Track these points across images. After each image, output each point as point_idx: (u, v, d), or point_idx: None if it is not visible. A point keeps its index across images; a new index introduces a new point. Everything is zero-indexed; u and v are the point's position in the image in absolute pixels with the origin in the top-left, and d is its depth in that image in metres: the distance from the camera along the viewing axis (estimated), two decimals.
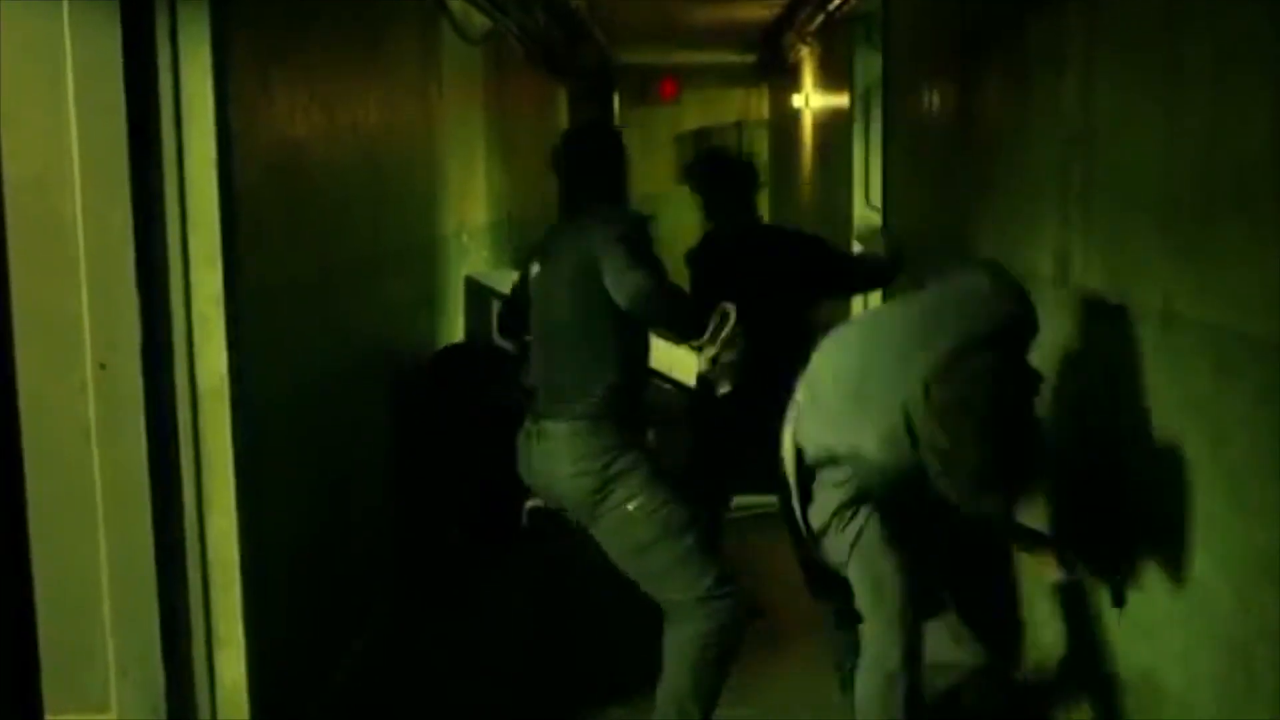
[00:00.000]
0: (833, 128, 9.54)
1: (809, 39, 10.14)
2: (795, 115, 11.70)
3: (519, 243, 9.48)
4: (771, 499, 3.93)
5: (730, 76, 15.96)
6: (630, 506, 3.54)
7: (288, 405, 3.73)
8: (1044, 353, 3.85)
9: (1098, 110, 3.52)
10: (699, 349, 3.69)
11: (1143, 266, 3.23)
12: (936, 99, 5.51)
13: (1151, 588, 3.20)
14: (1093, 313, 3.58)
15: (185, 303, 3.25)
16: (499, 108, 8.34)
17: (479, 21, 7.49)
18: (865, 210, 8.21)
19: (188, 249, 3.24)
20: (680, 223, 16.45)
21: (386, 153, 4.99)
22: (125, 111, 3.10)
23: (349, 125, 4.44)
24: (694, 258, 5.00)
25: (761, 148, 15.67)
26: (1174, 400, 3.06)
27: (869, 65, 8.05)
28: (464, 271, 6.91)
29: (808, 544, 3.61)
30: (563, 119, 14.21)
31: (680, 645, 3.59)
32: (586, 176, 3.80)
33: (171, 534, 3.28)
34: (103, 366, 3.17)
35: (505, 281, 7.47)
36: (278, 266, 3.66)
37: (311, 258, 3.99)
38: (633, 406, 3.67)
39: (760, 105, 16.19)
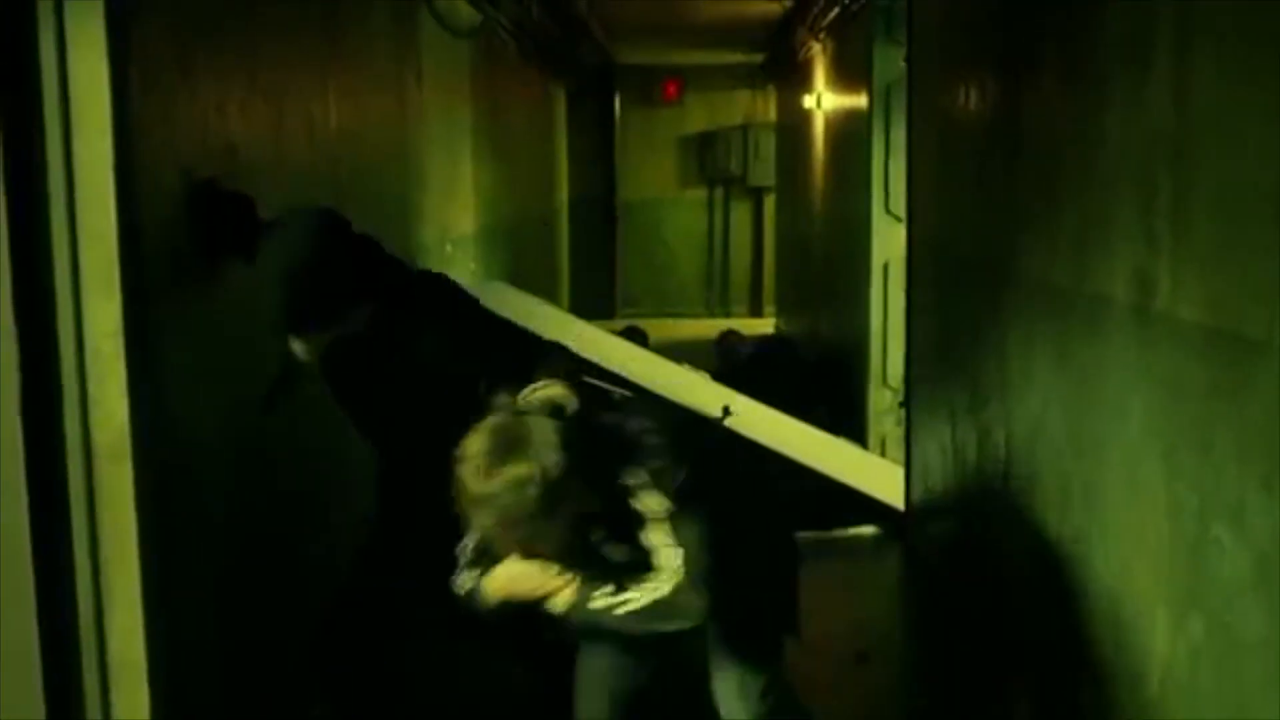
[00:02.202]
0: (848, 130, 8.95)
1: (821, 35, 9.57)
2: (806, 117, 11.13)
3: (514, 250, 8.87)
4: None
5: (735, 77, 15.46)
6: None
7: (215, 462, 3.11)
8: (1115, 399, 3.25)
9: (1195, 107, 2.89)
10: None
11: (1259, 294, 2.61)
12: (975, 97, 4.89)
13: None
14: (1187, 349, 2.95)
15: (76, 338, 2.62)
16: (489, 106, 7.73)
17: (467, 13, 6.89)
18: (884, 218, 7.62)
19: (79, 272, 2.61)
20: (682, 228, 16.04)
21: (351, 153, 4.37)
22: None
23: (302, 122, 3.82)
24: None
25: (768, 152, 15.14)
26: None
27: (889, 61, 7.48)
28: None
29: None
30: (561, 120, 13.63)
31: None
32: None
33: (61, 629, 2.65)
34: None
35: (495, 296, 6.89)
36: (199, 290, 3.04)
37: (247, 278, 3.36)
38: None
39: (767, 107, 15.65)
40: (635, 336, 9.03)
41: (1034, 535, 4.01)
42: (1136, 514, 3.16)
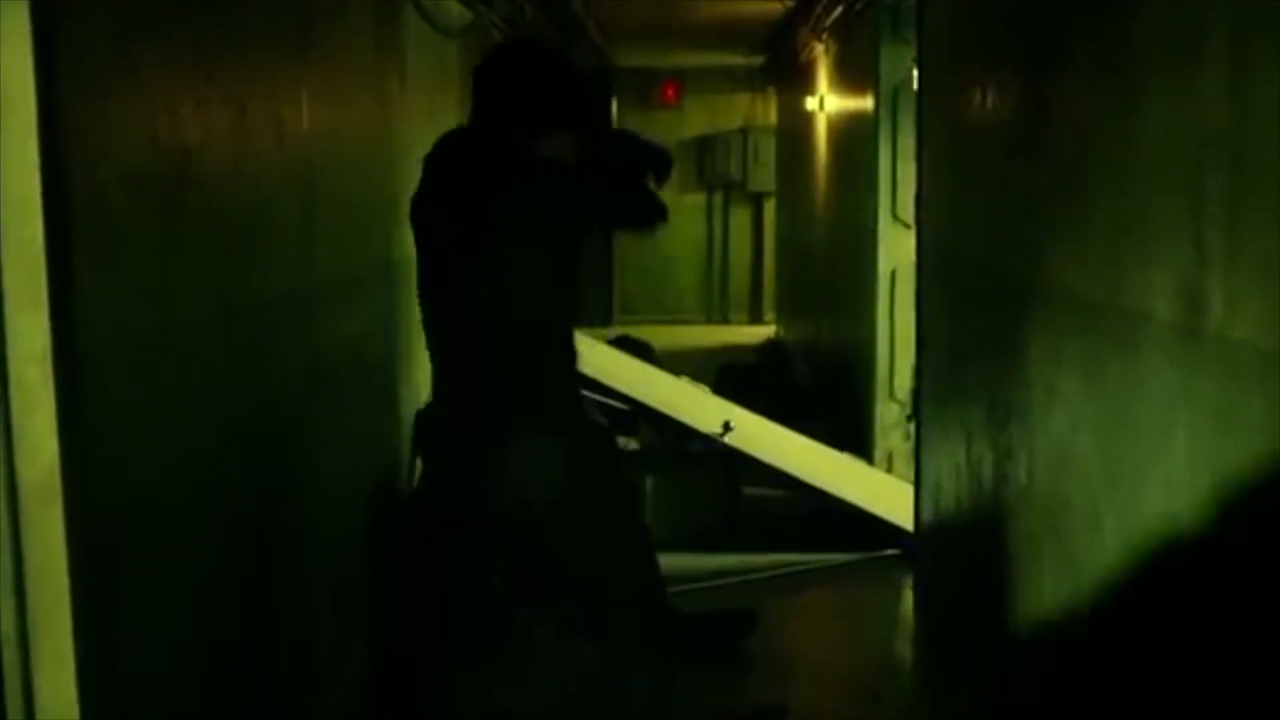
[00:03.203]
0: (853, 132, 8.67)
1: (824, 35, 9.30)
2: (808, 120, 10.85)
3: None
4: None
5: (735, 79, 15.29)
6: None
7: (163, 501, 2.80)
8: (1155, 427, 2.95)
9: (1255, 104, 2.60)
10: None
11: None
12: (992, 96, 4.60)
13: None
14: (1243, 376, 2.65)
15: None
16: None
17: (457, 12, 6.59)
18: (891, 224, 7.34)
19: (1, 288, 2.32)
20: (680, 234, 15.76)
21: (326, 158, 4.08)
22: None
23: (270, 124, 3.52)
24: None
25: (768, 156, 14.87)
26: None
27: (896, 61, 7.22)
28: None
29: None
30: None
31: None
32: None
33: None
34: None
35: None
36: (150, 307, 2.74)
37: (207, 294, 3.07)
38: None
39: (767, 110, 15.41)
40: (635, 349, 8.70)
41: (1061, 568, 3.71)
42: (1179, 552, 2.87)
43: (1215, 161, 2.73)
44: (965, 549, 5.07)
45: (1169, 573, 2.91)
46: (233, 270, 3.25)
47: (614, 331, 14.92)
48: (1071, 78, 3.71)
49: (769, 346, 12.55)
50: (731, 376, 9.15)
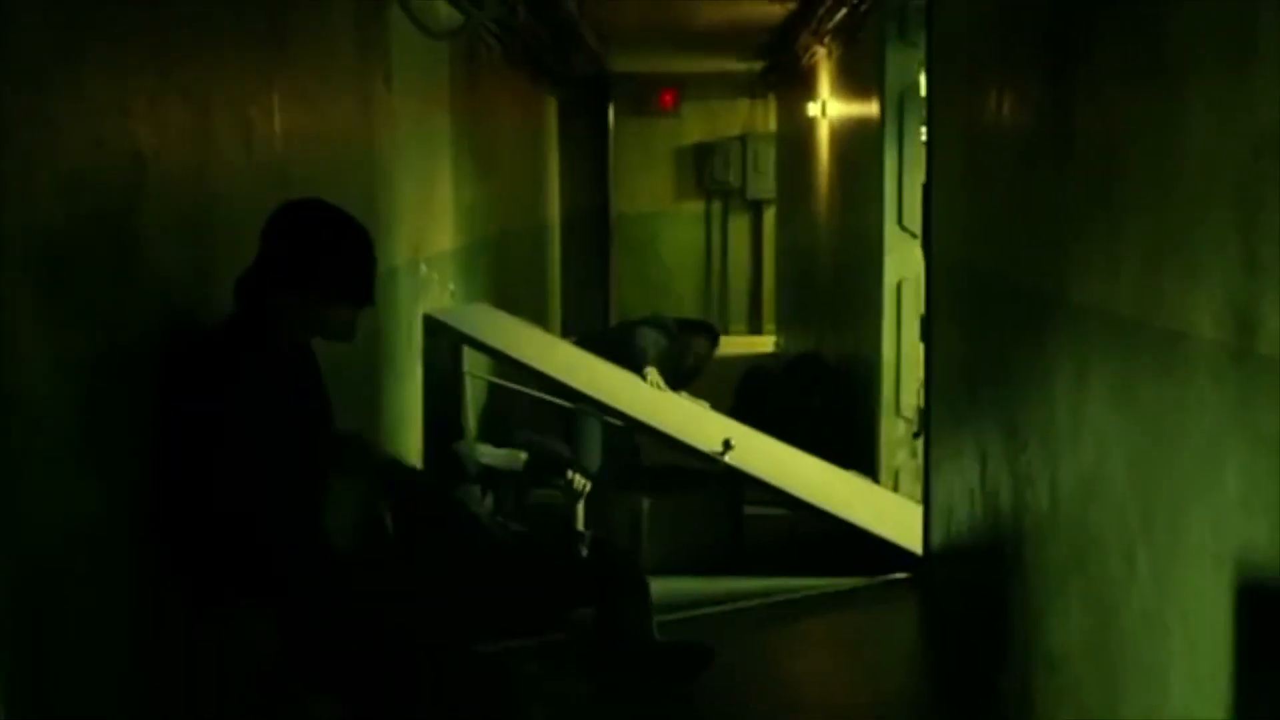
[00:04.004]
0: (857, 139, 8.42)
1: (827, 39, 9.05)
2: (809, 126, 10.61)
3: (500, 268, 8.34)
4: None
5: (734, 85, 15.01)
6: None
7: (98, 560, 2.51)
8: (1200, 458, 2.70)
9: None
10: None
11: None
12: (1011, 100, 4.35)
13: None
14: None
15: None
16: (472, 114, 7.18)
17: (445, 13, 6.34)
18: (897, 234, 7.08)
19: None
20: (678, 243, 15.53)
21: (303, 163, 3.82)
22: None
23: (237, 127, 3.26)
24: None
25: (768, 163, 14.64)
26: None
27: (903, 65, 6.99)
28: (422, 309, 5.74)
29: None
30: (552, 131, 13.11)
31: None
32: None
33: None
34: None
35: (476, 320, 6.35)
36: (88, 330, 2.48)
37: (161, 316, 2.80)
38: None
39: (767, 117, 15.19)
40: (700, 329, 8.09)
41: (1090, 605, 3.46)
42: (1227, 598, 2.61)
43: (1270, 169, 2.48)
44: (980, 577, 4.81)
45: (1218, 619, 2.65)
46: (194, 288, 2.99)
47: None
48: (1101, 79, 3.45)
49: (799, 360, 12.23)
50: (751, 385, 8.87)
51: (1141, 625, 3.11)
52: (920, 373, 6.81)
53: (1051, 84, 3.89)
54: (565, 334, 13.26)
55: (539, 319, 10.90)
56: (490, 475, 4.39)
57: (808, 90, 10.83)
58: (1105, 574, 3.36)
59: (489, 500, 4.42)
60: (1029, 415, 4.07)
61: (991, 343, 4.62)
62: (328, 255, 3.02)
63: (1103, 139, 3.44)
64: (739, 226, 15.76)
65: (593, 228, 15.24)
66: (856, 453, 7.33)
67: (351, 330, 3.16)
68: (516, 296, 9.34)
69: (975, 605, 4.84)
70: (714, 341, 7.53)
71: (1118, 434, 3.29)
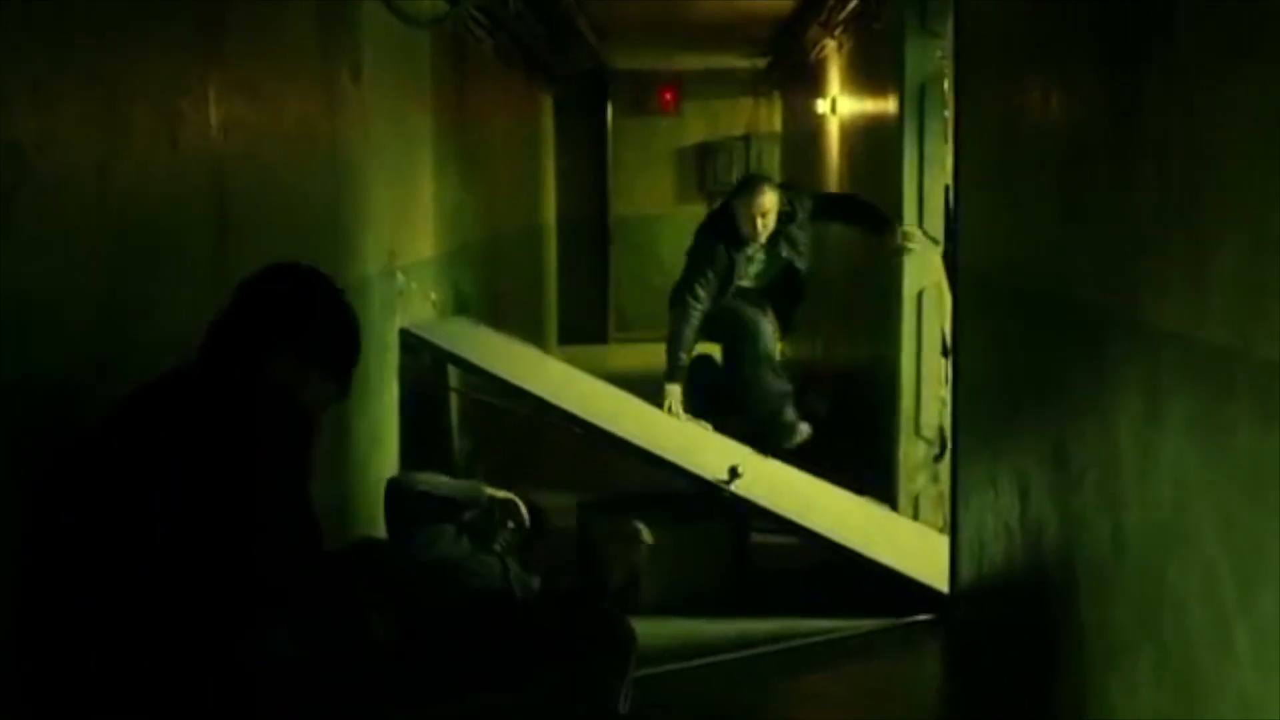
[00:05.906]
0: (871, 137, 7.93)
1: (838, 30, 8.57)
2: (818, 124, 10.12)
3: (489, 274, 7.84)
4: None
5: (737, 83, 14.66)
6: None
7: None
8: None
9: None
10: None
11: None
12: (1059, 93, 3.86)
13: None
14: None
15: None
16: (457, 111, 6.67)
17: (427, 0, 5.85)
18: (919, 238, 6.59)
19: None
20: (679, 246, 15.03)
21: (246, 164, 3.31)
22: None
23: (160, 120, 2.76)
24: None
25: (773, 164, 14.17)
26: None
27: (923, 55, 6.50)
28: (399, 323, 5.23)
29: None
30: (548, 130, 12.62)
31: None
32: None
33: None
34: None
35: (458, 336, 5.84)
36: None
37: (85, 339, 2.31)
38: None
39: (772, 116, 14.78)
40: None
41: (1167, 684, 2.95)
42: None
43: None
44: (1019, 626, 4.30)
45: None
46: (111, 310, 2.49)
47: (612, 348, 14.26)
48: (1182, 64, 2.93)
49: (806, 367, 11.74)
50: None
51: (1239, 712, 2.60)
52: (942, 390, 6.32)
53: (1111, 70, 3.38)
54: (562, 342, 12.80)
55: (534, 327, 10.40)
56: (448, 509, 3.84)
57: (816, 86, 10.35)
58: (1188, 646, 2.85)
59: (464, 541, 3.88)
60: (1084, 448, 3.56)
61: (1034, 362, 4.11)
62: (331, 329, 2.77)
63: (1181, 136, 2.93)
64: None
65: (591, 231, 14.79)
66: (871, 473, 6.82)
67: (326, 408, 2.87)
68: (508, 302, 8.84)
69: (1012, 658, 4.33)
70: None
71: (1203, 482, 2.79)
